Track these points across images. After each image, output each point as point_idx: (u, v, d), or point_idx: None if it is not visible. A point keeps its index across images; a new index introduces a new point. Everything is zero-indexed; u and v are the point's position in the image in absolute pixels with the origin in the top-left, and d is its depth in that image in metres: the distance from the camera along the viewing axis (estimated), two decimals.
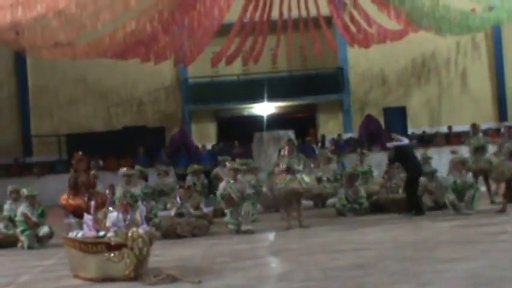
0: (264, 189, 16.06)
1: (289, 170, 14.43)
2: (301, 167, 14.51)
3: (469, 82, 29.95)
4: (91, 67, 26.94)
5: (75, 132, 27.47)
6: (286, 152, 14.88)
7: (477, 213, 14.52)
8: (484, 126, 19.71)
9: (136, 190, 15.25)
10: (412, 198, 15.15)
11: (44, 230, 13.95)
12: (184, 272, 9.75)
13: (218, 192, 14.54)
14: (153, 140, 26.22)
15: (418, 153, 17.16)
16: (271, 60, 27.31)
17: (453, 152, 16.98)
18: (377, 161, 20.34)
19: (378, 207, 16.11)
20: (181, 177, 19.78)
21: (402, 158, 15.23)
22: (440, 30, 22.59)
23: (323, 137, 27.27)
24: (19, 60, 28.11)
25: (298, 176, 14.34)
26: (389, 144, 15.58)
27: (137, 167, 17.52)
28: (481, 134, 17.43)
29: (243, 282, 9.24)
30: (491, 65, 30.23)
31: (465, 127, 21.07)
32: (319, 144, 26.02)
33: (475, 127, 17.23)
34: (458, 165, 15.10)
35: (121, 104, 29.08)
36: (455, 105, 29.63)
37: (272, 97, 28.23)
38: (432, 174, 16.08)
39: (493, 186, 16.72)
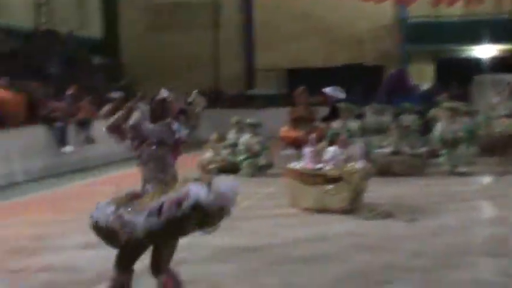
0: (481, 132, 15.72)
1: (509, 115, 14.11)
2: None
3: None
4: (314, 4, 27.41)
5: (295, 67, 28.22)
6: (504, 96, 14.54)
7: None
8: None
9: (353, 125, 15.49)
10: None
11: (263, 159, 14.73)
12: (398, 209, 10.03)
13: (435, 134, 14.52)
14: (370, 78, 26.28)
15: None
16: (495, 1, 26.13)
17: None
18: None
19: None
20: (397, 116, 19.75)
21: None
22: None
23: None
24: None
25: None
26: None
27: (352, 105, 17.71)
28: None
29: (456, 223, 9.32)
30: None
31: None
32: None
33: None
34: None
35: (341, 41, 29.30)
36: None
37: (494, 40, 27.15)
38: None
39: None
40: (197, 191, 4.79)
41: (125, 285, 5.05)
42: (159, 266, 4.97)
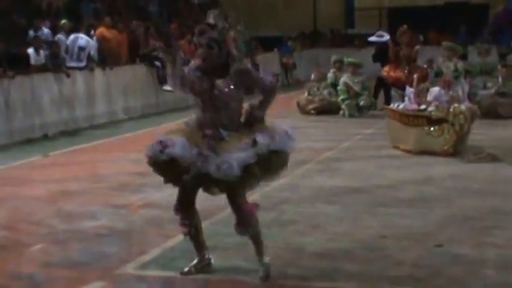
0: None
1: None
2: None
3: None
4: None
5: (397, 6, 27.52)
6: None
7: None
8: None
9: (458, 65, 15.03)
10: None
11: (363, 100, 14.48)
12: (504, 153, 9.69)
13: None
14: (476, 17, 25.39)
15: None
16: None
17: None
18: None
19: None
20: (503, 57, 19.07)
21: None
22: None
23: None
24: None
25: None
26: None
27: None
28: None
29: None
30: None
31: None
32: None
33: None
34: None
35: None
36: None
37: None
38: None
39: None
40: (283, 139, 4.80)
41: (198, 226, 5.10)
42: (240, 201, 4.90)
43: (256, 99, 4.93)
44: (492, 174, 8.67)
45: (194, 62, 4.94)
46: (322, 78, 15.64)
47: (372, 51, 16.70)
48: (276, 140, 4.75)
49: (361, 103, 14.47)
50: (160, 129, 12.72)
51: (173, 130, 4.92)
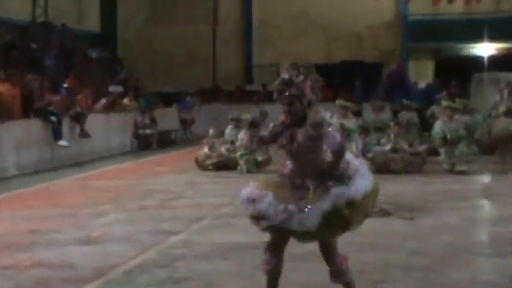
0: (479, 130, 15.65)
1: (508, 113, 14.07)
2: None
3: None
4: (313, 1, 27.44)
5: (294, 63, 28.04)
6: (505, 95, 14.50)
7: None
8: None
9: (350, 124, 15.39)
10: None
11: (261, 155, 14.61)
12: (396, 208, 9.89)
13: (433, 132, 14.46)
14: (370, 75, 26.24)
15: None
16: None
17: None
18: None
19: None
20: (396, 114, 19.71)
21: None
22: None
23: None
24: None
25: None
26: None
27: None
28: None
29: (456, 222, 9.24)
30: None
31: None
32: None
33: None
34: None
35: (340, 38, 29.18)
36: None
37: (493, 38, 27.06)
38: None
39: None
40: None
41: (280, 270, 5.42)
42: (331, 254, 5.43)
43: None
44: (384, 228, 8.82)
45: (280, 118, 5.16)
46: (221, 134, 15.73)
47: (269, 108, 16.87)
48: (350, 189, 5.02)
49: (259, 158, 14.59)
50: (55, 186, 12.24)
51: (268, 182, 5.17)
